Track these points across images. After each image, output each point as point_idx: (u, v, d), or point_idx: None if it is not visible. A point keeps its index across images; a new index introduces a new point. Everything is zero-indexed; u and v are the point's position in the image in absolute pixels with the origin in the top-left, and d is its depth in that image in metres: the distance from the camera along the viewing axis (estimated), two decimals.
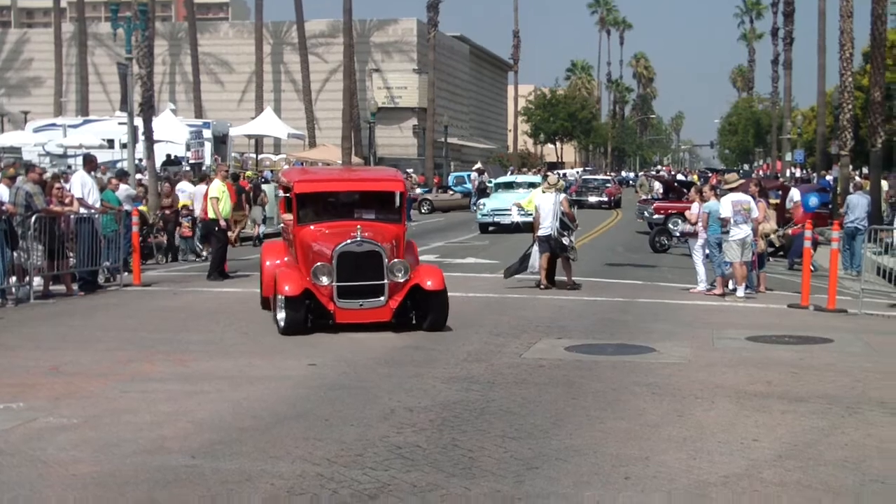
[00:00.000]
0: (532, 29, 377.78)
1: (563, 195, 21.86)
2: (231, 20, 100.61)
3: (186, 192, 29.11)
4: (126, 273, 21.73)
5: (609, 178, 79.58)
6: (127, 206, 22.99)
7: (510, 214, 35.39)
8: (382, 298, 15.14)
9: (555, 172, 36.31)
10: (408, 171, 59.30)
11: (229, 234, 24.09)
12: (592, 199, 59.62)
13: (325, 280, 14.96)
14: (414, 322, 15.57)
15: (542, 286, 20.77)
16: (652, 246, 32.23)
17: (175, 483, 7.95)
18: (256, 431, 9.45)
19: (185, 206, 28.43)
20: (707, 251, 20.45)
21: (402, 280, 15.24)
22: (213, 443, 9.06)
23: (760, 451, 8.88)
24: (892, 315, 18.30)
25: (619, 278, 23.70)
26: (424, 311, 15.48)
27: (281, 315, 15.04)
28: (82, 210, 20.41)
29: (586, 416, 10.12)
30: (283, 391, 11.25)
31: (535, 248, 21.11)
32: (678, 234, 28.11)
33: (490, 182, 47.20)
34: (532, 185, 39.94)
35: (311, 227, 16.11)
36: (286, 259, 17.10)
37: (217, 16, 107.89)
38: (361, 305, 15.12)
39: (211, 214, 23.04)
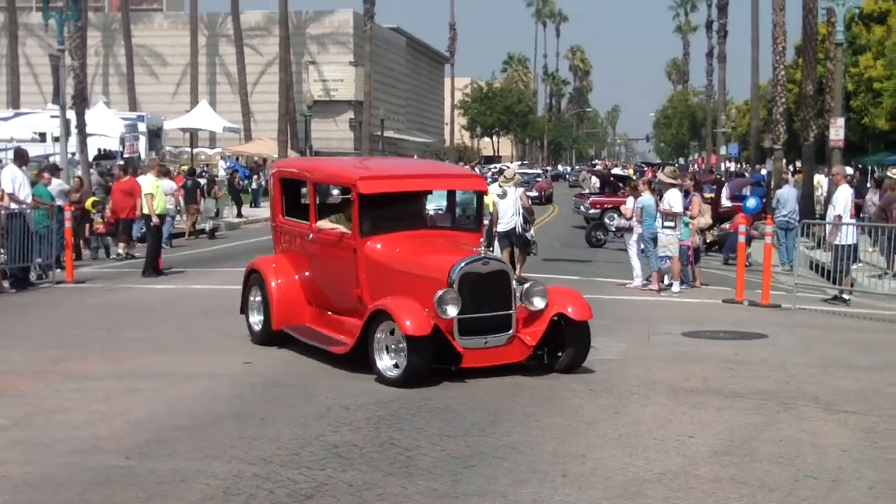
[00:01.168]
0: (469, 21, 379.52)
1: (521, 189, 21.87)
2: (165, 11, 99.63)
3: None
4: (58, 269, 21.44)
5: (540, 172, 79.51)
6: (59, 201, 22.69)
7: None
8: (509, 333, 11.88)
9: (505, 166, 36.25)
10: None
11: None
12: None
13: (451, 311, 11.42)
14: (546, 361, 12.25)
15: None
16: (588, 241, 32.39)
17: (109, 484, 7.86)
18: (192, 431, 9.37)
19: (96, 202, 27.72)
20: (642, 246, 20.57)
21: (540, 308, 12.10)
22: (149, 442, 8.97)
23: (696, 448, 8.95)
24: (825, 309, 18.53)
25: (555, 273, 23.70)
26: (559, 345, 12.16)
27: (388, 362, 11.49)
28: (13, 205, 20.09)
29: (523, 413, 10.14)
30: (220, 389, 11.17)
31: (496, 244, 21.07)
32: (614, 229, 28.31)
33: None
34: None
35: (381, 238, 12.60)
36: (297, 276, 13.67)
37: (151, 6, 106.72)
38: (486, 343, 11.74)
39: (145, 210, 22.80)
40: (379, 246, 12.49)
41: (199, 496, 7.59)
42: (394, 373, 11.37)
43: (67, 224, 21.72)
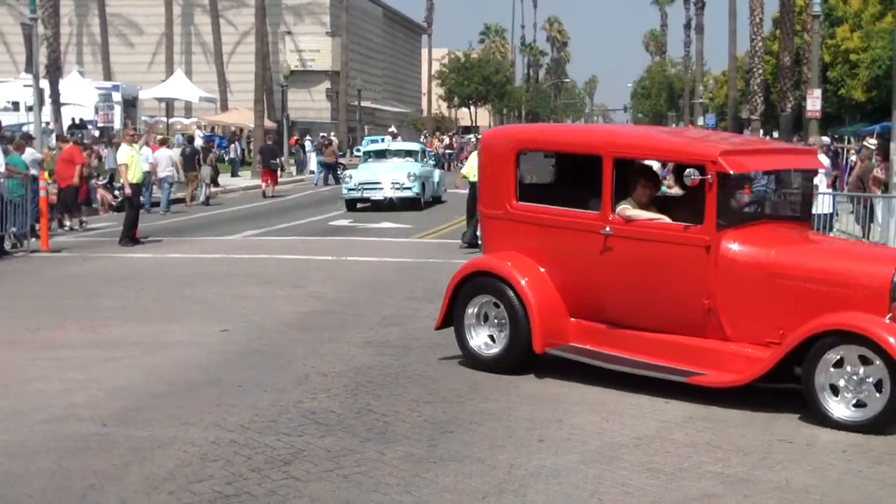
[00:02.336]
0: None
1: None
2: None
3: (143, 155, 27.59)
4: (33, 239, 21.34)
5: None
6: (33, 171, 22.55)
7: (381, 188, 32.01)
8: None
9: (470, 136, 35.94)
10: (323, 134, 59.01)
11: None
12: None
13: None
14: None
15: None
16: None
17: (86, 451, 7.85)
18: (169, 398, 9.37)
19: (50, 172, 27.26)
20: None
21: None
22: (125, 410, 8.96)
23: (672, 413, 9.00)
24: None
25: None
26: None
27: (836, 399, 8.79)
28: None
29: (501, 380, 10.15)
30: (197, 357, 11.15)
31: None
32: None
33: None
34: (409, 154, 35.65)
35: (740, 233, 9.71)
36: (553, 281, 10.48)
37: None
38: None
39: (122, 181, 22.67)
40: (745, 244, 9.64)
41: (177, 462, 7.59)
42: (857, 413, 8.70)
43: (42, 193, 21.61)
